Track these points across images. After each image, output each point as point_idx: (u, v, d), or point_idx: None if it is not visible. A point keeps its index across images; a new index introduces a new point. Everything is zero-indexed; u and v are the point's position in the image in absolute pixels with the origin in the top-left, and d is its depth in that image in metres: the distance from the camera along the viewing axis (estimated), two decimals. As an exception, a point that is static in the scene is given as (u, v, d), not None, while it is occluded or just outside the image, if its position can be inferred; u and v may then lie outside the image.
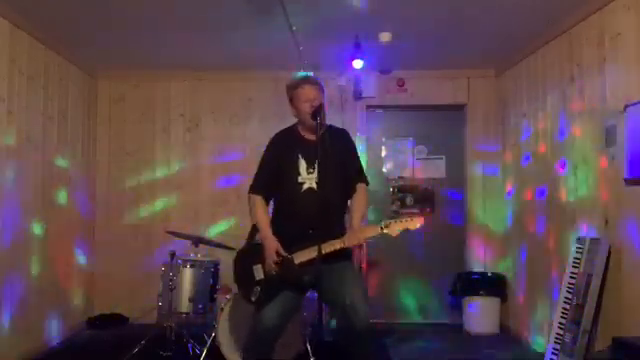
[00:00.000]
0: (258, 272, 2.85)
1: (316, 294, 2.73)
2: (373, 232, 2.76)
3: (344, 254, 2.79)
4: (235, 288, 3.12)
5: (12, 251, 3.89)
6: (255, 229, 2.97)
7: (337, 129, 3.05)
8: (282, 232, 2.83)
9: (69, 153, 4.84)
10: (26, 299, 4.08)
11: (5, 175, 3.81)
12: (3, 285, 3.78)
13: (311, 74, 2.95)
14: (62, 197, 4.69)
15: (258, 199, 2.93)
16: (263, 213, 2.92)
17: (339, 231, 2.80)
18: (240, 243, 3.14)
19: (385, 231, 2.72)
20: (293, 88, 2.89)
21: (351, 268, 2.87)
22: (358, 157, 3.04)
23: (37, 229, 4.24)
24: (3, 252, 3.79)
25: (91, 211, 5.34)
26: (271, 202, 3.02)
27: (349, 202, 2.99)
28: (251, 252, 2.92)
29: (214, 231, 5.35)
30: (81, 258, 5.09)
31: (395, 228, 2.70)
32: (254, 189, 2.96)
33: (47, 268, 4.37)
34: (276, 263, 2.77)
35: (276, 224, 2.90)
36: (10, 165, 3.87)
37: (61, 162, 4.67)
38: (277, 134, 3.02)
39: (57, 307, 4.57)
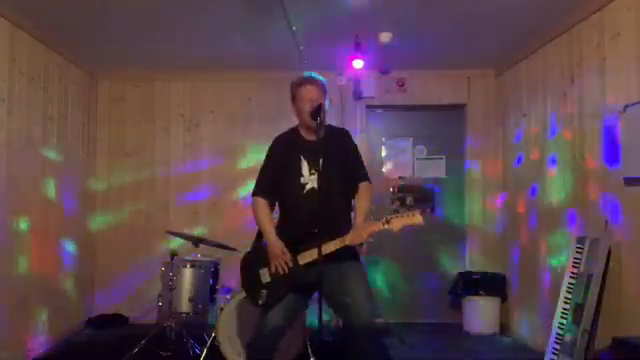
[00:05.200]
0: (265, 276, 2.83)
1: (319, 294, 2.72)
2: (375, 228, 2.73)
3: (350, 254, 2.78)
4: (237, 288, 3.11)
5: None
6: (261, 232, 2.96)
7: (337, 129, 3.06)
8: (287, 234, 2.82)
9: (68, 152, 4.84)
10: (26, 297, 4.09)
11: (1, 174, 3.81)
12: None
13: (315, 74, 2.93)
14: (58, 196, 4.69)
15: (261, 203, 2.92)
16: (266, 216, 2.90)
17: (344, 230, 2.77)
18: (240, 243, 3.14)
19: (387, 226, 2.70)
20: (296, 86, 2.90)
21: (356, 267, 2.83)
22: (360, 156, 3.04)
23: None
24: None
25: (91, 211, 5.34)
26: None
27: (353, 201, 2.98)
28: (257, 256, 2.91)
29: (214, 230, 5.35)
30: (80, 258, 5.08)
31: (397, 223, 2.69)
32: (257, 192, 2.95)
33: (41, 267, 4.34)
34: (286, 263, 2.75)
35: (281, 226, 2.90)
36: (8, 164, 3.87)
37: (59, 160, 4.67)
38: (278, 137, 3.02)
39: (57, 306, 4.58)
